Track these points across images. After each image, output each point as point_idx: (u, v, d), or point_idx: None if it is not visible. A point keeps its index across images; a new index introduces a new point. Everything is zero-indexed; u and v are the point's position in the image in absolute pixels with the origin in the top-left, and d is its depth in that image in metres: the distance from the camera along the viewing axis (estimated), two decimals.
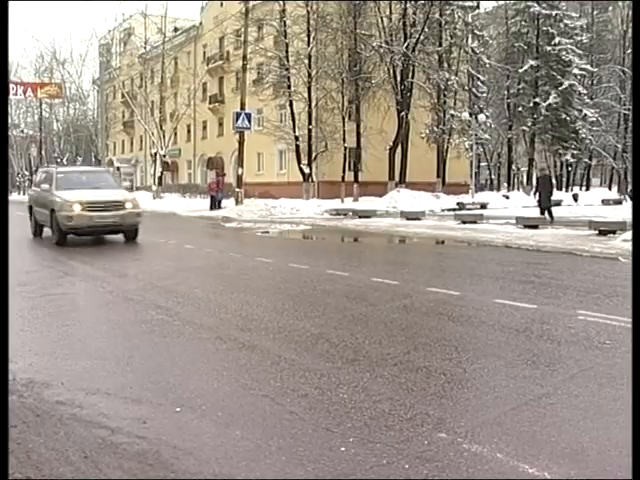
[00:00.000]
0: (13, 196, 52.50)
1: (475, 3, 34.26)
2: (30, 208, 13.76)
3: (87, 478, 2.43)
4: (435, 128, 30.47)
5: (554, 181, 42.91)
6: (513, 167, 43.63)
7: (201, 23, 45.36)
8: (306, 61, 28.91)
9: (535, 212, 17.14)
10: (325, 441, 2.74)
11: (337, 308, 5.73)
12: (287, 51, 29.21)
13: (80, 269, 8.38)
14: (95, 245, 12.04)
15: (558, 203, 27.08)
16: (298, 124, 29.36)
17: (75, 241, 11.89)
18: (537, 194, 16.96)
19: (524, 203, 26.02)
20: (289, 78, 29.54)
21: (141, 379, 3.64)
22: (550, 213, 16.58)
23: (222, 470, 2.49)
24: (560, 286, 6.84)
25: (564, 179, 41.63)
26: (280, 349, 4.24)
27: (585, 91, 38.03)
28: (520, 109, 38.21)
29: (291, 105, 29.76)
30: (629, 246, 9.29)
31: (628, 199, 25.74)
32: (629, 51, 36.44)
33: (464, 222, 16.44)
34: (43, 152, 54.89)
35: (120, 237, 12.23)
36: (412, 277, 7.78)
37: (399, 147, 28.87)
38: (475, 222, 16.28)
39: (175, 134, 41.35)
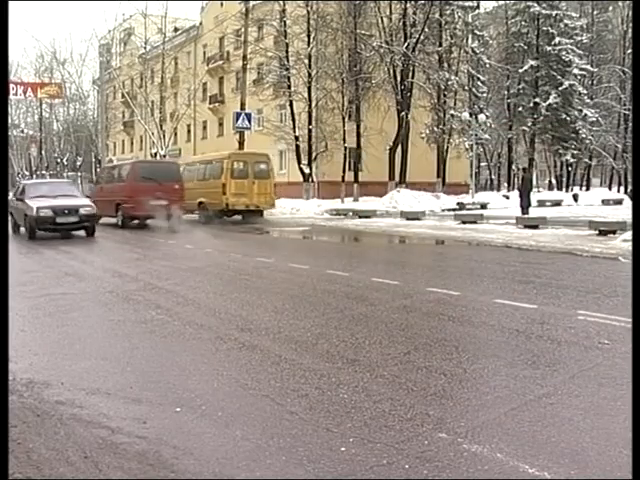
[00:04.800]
0: None
1: (475, 3, 34.29)
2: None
3: (87, 478, 2.43)
4: (435, 128, 30.47)
5: (554, 181, 43.28)
6: (513, 167, 43.61)
7: (201, 23, 45.37)
8: (306, 61, 28.91)
9: (531, 212, 18.37)
10: (325, 441, 2.73)
11: (337, 308, 5.73)
12: (287, 51, 29.22)
13: (80, 269, 8.38)
14: (95, 245, 12.09)
15: (558, 203, 27.17)
16: (298, 124, 29.36)
17: (75, 241, 12.11)
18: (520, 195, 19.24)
19: None
20: (289, 78, 29.55)
21: (141, 379, 3.64)
22: (527, 212, 18.29)
23: (222, 470, 2.49)
24: (560, 286, 6.84)
25: (564, 179, 41.62)
26: (280, 349, 4.24)
27: (585, 91, 38.02)
28: (520, 109, 38.19)
29: (291, 105, 29.76)
30: (629, 246, 9.29)
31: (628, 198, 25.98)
32: (629, 51, 36.45)
33: (464, 222, 16.45)
34: (43, 152, 54.81)
35: (122, 237, 13.14)
36: (412, 277, 7.78)
37: (399, 147, 28.87)
38: (475, 222, 16.30)
39: (175, 134, 41.29)
